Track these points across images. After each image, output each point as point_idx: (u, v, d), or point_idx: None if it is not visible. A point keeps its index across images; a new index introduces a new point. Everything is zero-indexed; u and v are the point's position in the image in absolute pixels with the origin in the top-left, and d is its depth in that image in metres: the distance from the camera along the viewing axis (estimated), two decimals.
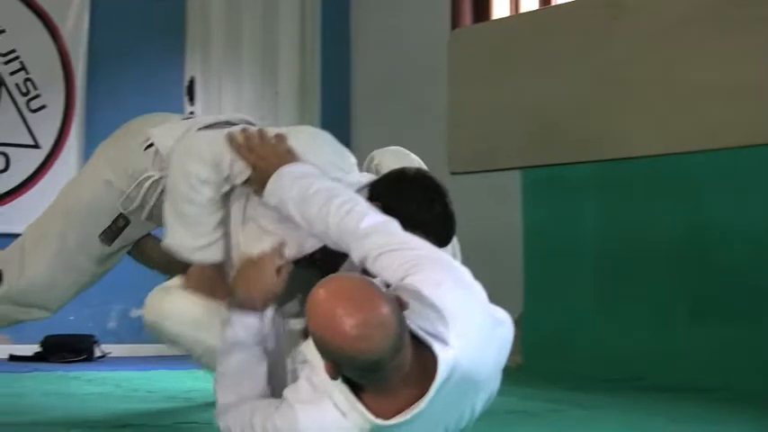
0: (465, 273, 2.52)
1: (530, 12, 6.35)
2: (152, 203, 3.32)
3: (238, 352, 2.64)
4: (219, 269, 3.05)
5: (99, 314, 6.36)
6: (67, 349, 6.05)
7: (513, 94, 6.06)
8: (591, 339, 5.57)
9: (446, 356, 2.26)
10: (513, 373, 5.53)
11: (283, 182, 2.83)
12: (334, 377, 2.26)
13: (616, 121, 5.50)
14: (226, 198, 3.11)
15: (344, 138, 7.42)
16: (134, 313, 6.36)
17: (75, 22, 6.61)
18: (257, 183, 2.98)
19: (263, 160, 2.95)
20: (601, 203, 5.66)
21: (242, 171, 3.02)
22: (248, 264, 2.73)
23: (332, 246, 2.73)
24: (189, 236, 3.07)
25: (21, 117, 6.33)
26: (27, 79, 6.43)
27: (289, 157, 2.97)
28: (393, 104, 7.15)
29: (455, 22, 6.69)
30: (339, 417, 2.31)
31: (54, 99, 6.43)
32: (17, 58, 6.45)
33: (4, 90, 6.40)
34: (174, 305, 3.04)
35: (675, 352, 5.14)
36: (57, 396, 4.29)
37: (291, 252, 2.87)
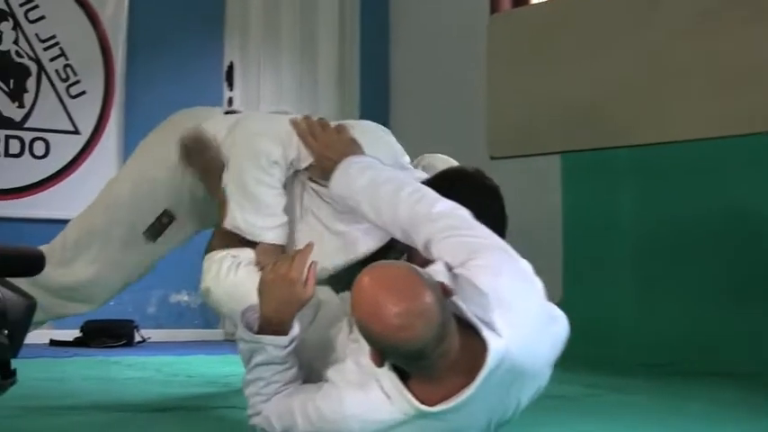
0: (527, 267, 2.54)
1: None
2: (201, 196, 3.32)
3: (267, 369, 2.59)
4: (283, 252, 3.00)
5: (139, 299, 6.39)
6: (108, 334, 6.10)
7: (553, 78, 6.07)
8: (629, 325, 5.57)
9: (496, 345, 2.26)
10: None
11: (351, 171, 2.82)
12: (379, 364, 2.27)
13: (655, 105, 5.50)
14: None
15: (384, 124, 7.47)
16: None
17: (114, 8, 6.64)
18: (321, 171, 2.98)
19: (328, 148, 2.95)
20: (640, 188, 5.64)
21: (306, 156, 3.02)
22: (273, 281, 2.54)
23: (398, 236, 2.72)
24: (259, 216, 3.03)
25: (61, 103, 6.37)
26: (67, 65, 6.46)
27: (354, 146, 2.97)
28: (432, 90, 7.14)
29: (494, 6, 6.68)
30: (385, 401, 2.31)
31: (93, 85, 6.47)
32: (57, 44, 6.48)
33: (44, 76, 6.43)
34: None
35: (713, 337, 5.12)
36: (97, 381, 4.32)
37: (341, 259, 2.92)
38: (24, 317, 2.05)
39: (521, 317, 2.39)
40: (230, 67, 6.98)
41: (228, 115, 3.46)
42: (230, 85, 6.97)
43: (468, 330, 2.28)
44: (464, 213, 2.60)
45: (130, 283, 3.57)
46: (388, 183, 2.74)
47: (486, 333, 2.26)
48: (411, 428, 2.34)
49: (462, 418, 2.35)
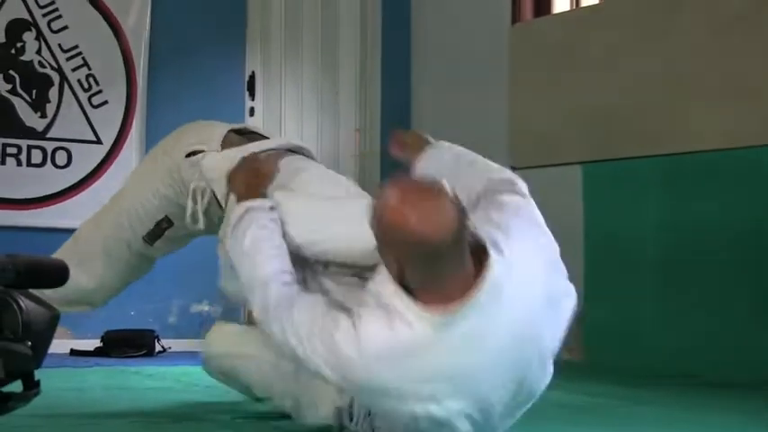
0: (551, 239, 2.77)
1: (590, 6, 6.35)
2: (203, 210, 3.37)
3: (252, 227, 2.84)
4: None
5: (159, 309, 6.41)
6: (128, 344, 6.09)
7: (574, 88, 6.07)
8: (651, 335, 5.55)
9: (500, 261, 2.39)
10: (571, 368, 5.44)
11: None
12: (397, 275, 2.38)
13: (677, 115, 5.50)
14: None
15: (404, 116, 7.42)
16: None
17: (136, 19, 6.67)
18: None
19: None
20: (662, 198, 5.63)
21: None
22: (239, 167, 3.06)
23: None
24: None
25: (83, 113, 6.40)
26: (89, 75, 6.49)
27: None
28: (453, 100, 7.13)
29: (516, 16, 6.68)
30: (406, 330, 2.37)
31: (115, 95, 6.49)
32: (80, 54, 6.51)
33: (66, 86, 6.46)
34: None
35: (735, 349, 5.11)
36: (117, 390, 4.33)
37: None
38: (47, 328, 2.07)
39: (529, 250, 2.56)
40: (252, 77, 7.01)
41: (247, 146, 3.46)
42: (252, 94, 6.99)
43: (478, 258, 2.39)
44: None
45: (131, 282, 3.68)
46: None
47: (491, 249, 2.39)
48: (432, 351, 2.39)
49: (480, 347, 2.41)
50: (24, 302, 2.02)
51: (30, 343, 2.04)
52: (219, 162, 3.29)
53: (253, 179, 3.06)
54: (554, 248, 2.72)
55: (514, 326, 2.44)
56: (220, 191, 3.26)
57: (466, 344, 2.39)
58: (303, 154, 3.43)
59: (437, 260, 2.34)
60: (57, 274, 2.17)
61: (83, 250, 3.53)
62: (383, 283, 2.45)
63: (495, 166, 3.05)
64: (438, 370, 2.41)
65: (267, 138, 3.49)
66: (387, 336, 2.39)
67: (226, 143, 3.40)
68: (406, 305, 2.37)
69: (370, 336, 2.40)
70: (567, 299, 2.70)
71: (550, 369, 2.65)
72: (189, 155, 3.37)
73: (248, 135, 3.52)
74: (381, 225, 2.39)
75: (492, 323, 2.39)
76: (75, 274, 3.39)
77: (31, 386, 2.11)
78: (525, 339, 2.48)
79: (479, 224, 2.49)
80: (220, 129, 3.50)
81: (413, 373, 2.40)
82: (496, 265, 2.38)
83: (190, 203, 3.35)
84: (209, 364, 3.28)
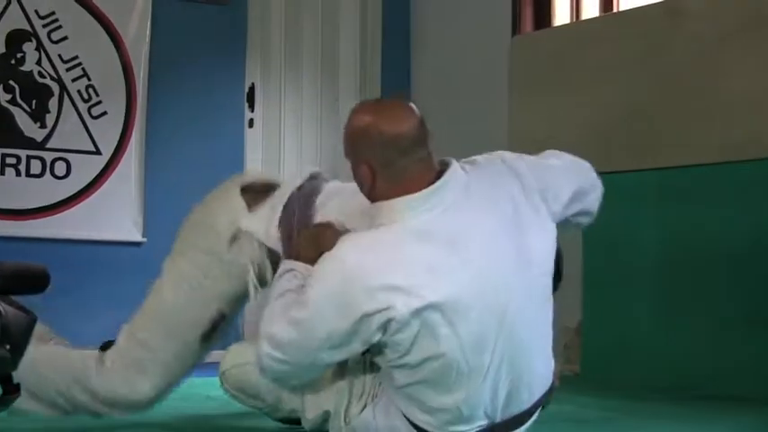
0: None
1: (591, 18, 6.36)
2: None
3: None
4: None
5: None
6: None
7: (574, 100, 6.07)
8: (649, 348, 5.54)
9: (463, 167, 2.86)
10: (570, 382, 5.37)
11: None
12: (371, 178, 2.70)
13: (675, 128, 5.50)
14: None
15: None
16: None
17: (136, 30, 6.68)
18: None
19: None
20: (660, 211, 5.62)
21: None
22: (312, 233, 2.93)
23: None
24: None
25: (82, 123, 6.41)
26: (89, 86, 6.50)
27: None
28: (453, 111, 7.11)
29: (516, 28, 6.70)
30: (384, 228, 2.65)
31: (115, 105, 6.50)
32: (79, 64, 6.52)
33: (66, 96, 6.47)
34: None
35: (735, 362, 5.09)
36: None
37: None
38: (25, 331, 2.08)
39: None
40: (251, 89, 7.02)
41: (266, 204, 3.33)
42: (251, 106, 7.00)
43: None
44: None
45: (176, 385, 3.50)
46: None
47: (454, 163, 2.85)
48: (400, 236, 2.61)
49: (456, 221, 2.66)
50: (3, 307, 2.04)
51: (8, 346, 2.04)
52: (262, 222, 3.22)
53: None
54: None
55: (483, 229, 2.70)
56: (275, 245, 3.18)
57: (429, 234, 2.60)
58: (318, 179, 3.37)
59: (405, 152, 2.68)
60: (40, 280, 2.20)
61: (128, 362, 3.35)
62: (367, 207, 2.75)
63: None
64: (402, 258, 2.57)
65: (276, 183, 3.39)
66: (369, 236, 2.65)
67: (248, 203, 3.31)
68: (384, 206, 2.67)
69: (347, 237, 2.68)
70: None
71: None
72: (232, 240, 3.25)
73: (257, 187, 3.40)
74: (352, 131, 2.75)
75: (456, 211, 2.66)
76: (137, 380, 3.31)
77: (11, 390, 2.12)
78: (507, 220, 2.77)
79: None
80: (235, 198, 3.34)
81: (379, 262, 2.56)
82: (458, 166, 2.81)
83: (251, 282, 3.24)
84: (227, 380, 3.20)
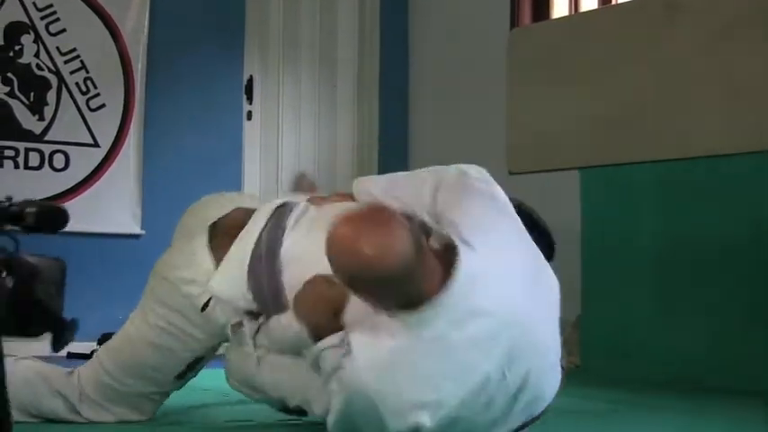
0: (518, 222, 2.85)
1: (589, 11, 6.37)
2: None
3: None
4: None
5: None
6: None
7: (573, 92, 6.05)
8: (649, 341, 5.55)
9: (470, 255, 2.44)
10: (570, 374, 5.43)
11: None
12: (388, 309, 2.43)
13: (674, 120, 5.48)
14: None
15: (402, 137, 7.48)
16: None
17: (134, 22, 6.70)
18: None
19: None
20: (660, 204, 5.63)
21: None
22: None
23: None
24: None
25: (80, 116, 6.41)
26: (87, 78, 6.52)
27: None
28: (451, 103, 7.19)
29: (515, 20, 6.71)
30: (389, 339, 2.44)
31: (113, 98, 6.51)
32: (77, 56, 6.54)
33: (64, 89, 6.49)
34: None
35: (735, 354, 5.10)
36: None
37: None
38: (60, 275, 2.12)
39: (500, 242, 2.62)
40: (250, 81, 7.02)
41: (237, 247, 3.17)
42: (249, 98, 7.01)
43: (448, 254, 2.46)
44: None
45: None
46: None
47: (460, 246, 2.44)
48: (418, 350, 2.44)
49: (464, 339, 2.45)
50: (29, 258, 2.11)
51: (52, 291, 2.11)
52: (235, 286, 3.09)
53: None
54: (523, 229, 2.80)
55: (499, 312, 2.50)
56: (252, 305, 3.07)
57: (446, 340, 2.44)
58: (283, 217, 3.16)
59: (406, 282, 2.38)
60: (60, 217, 2.26)
61: (101, 394, 3.29)
62: (362, 309, 2.51)
63: (439, 167, 3.07)
64: (424, 373, 2.44)
65: (245, 220, 3.21)
66: (374, 346, 2.45)
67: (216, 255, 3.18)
68: (390, 317, 2.43)
69: (360, 349, 2.44)
70: (552, 282, 2.82)
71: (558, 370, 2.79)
72: (203, 308, 3.15)
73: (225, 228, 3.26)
74: (338, 262, 2.40)
75: (473, 312, 2.44)
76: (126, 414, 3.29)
77: (70, 326, 2.15)
78: (512, 325, 2.53)
79: (444, 223, 2.58)
80: (202, 254, 3.21)
81: (401, 383, 2.44)
82: (466, 259, 2.43)
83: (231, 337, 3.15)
84: (233, 376, 3.16)
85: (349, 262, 2.35)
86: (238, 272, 3.05)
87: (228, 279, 3.07)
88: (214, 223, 3.24)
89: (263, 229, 3.06)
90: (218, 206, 3.36)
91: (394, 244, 2.34)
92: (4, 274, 1.99)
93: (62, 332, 2.07)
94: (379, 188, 3.00)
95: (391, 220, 2.40)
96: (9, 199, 2.10)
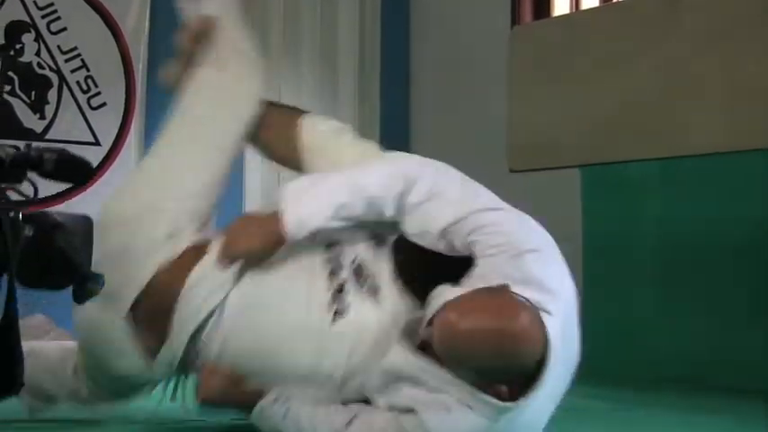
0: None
1: (590, 8, 6.38)
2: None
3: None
4: None
5: None
6: None
7: (574, 91, 6.09)
8: (652, 339, 5.56)
9: (553, 325, 2.41)
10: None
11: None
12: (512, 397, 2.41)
13: (676, 117, 5.52)
14: None
15: (404, 135, 7.47)
16: None
17: (136, 20, 6.69)
18: None
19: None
20: (662, 201, 5.64)
21: None
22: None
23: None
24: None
25: (81, 114, 6.41)
26: (88, 77, 6.51)
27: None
28: (452, 102, 7.19)
29: (515, 18, 6.71)
30: (466, 411, 2.41)
31: (114, 96, 6.51)
32: (78, 55, 6.52)
33: (65, 87, 6.48)
34: None
35: (737, 352, 5.11)
36: None
37: None
38: (86, 230, 2.15)
39: (562, 296, 2.59)
40: None
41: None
42: None
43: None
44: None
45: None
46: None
47: (543, 316, 2.41)
48: (495, 429, 2.43)
49: (536, 407, 2.50)
50: (55, 215, 2.13)
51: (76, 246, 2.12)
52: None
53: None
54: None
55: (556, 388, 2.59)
56: None
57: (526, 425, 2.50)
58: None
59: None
60: (83, 170, 2.26)
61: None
62: (436, 378, 2.47)
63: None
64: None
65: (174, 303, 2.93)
66: (448, 420, 2.44)
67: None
68: (475, 396, 2.41)
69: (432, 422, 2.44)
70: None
71: None
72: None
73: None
74: (464, 360, 2.38)
75: (547, 393, 2.50)
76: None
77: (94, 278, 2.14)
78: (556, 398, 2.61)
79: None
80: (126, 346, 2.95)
81: None
82: (554, 333, 2.43)
83: None
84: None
85: (485, 355, 2.34)
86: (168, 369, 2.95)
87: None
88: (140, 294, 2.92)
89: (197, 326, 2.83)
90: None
91: (532, 332, 2.38)
92: (26, 228, 2.02)
93: (85, 284, 2.06)
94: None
95: (517, 305, 2.40)
96: (29, 145, 2.09)
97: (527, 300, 2.42)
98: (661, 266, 5.61)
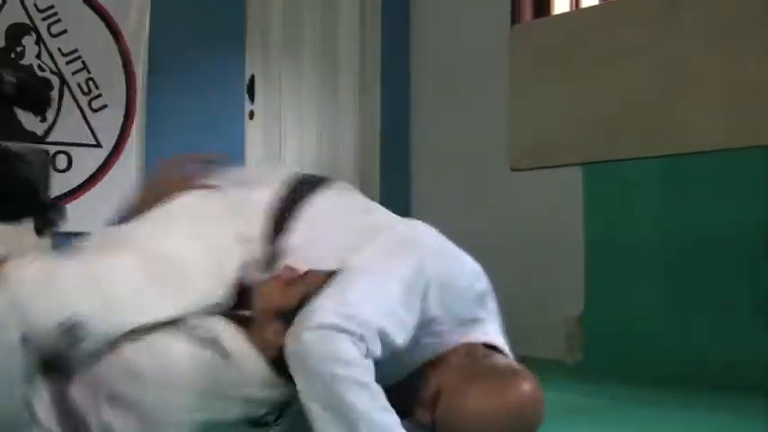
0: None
1: (590, 7, 6.42)
2: None
3: None
4: None
5: None
6: None
7: (574, 89, 6.13)
8: (652, 337, 5.58)
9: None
10: (572, 370, 5.54)
11: None
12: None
13: (676, 116, 5.56)
14: None
15: (405, 137, 7.51)
16: None
17: (136, 23, 6.71)
18: None
19: None
20: (662, 199, 5.68)
21: None
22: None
23: None
24: None
25: (83, 116, 6.44)
26: (89, 79, 6.53)
27: None
28: (452, 101, 7.23)
29: (515, 17, 6.74)
30: None
31: (115, 98, 6.52)
32: (79, 57, 6.54)
33: (66, 90, 6.49)
34: None
35: (737, 350, 5.14)
36: None
37: None
38: (44, 161, 2.13)
39: None
40: (251, 80, 7.04)
41: None
42: (251, 97, 7.03)
43: None
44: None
45: None
46: None
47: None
48: None
49: None
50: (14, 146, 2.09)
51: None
52: None
53: None
54: None
55: None
56: None
57: None
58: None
59: None
60: (44, 97, 2.19)
61: None
62: None
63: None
64: None
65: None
66: None
67: None
68: None
69: None
70: None
71: None
72: None
73: None
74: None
75: None
76: None
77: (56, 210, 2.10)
78: None
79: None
80: None
81: None
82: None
83: None
84: None
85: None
86: None
87: None
88: None
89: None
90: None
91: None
92: None
93: (46, 213, 2.02)
94: None
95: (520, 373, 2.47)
96: None
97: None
98: (662, 265, 5.64)
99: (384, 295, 2.34)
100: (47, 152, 1.97)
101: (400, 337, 2.33)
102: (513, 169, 6.43)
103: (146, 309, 2.34)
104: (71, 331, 2.24)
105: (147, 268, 2.37)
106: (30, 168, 1.87)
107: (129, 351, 2.31)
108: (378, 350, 2.27)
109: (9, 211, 1.86)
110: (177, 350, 2.34)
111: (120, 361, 2.31)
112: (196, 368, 2.34)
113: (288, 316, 2.38)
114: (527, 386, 2.41)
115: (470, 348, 2.51)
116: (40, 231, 1.87)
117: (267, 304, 2.45)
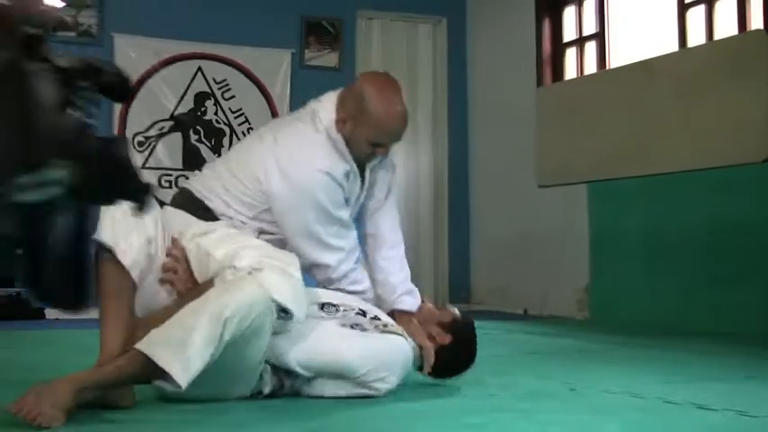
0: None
1: (590, 74, 6.33)
2: None
3: None
4: None
5: None
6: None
7: (582, 132, 6.08)
8: (640, 301, 5.54)
9: None
10: (581, 324, 5.40)
11: None
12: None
13: (651, 149, 5.53)
14: None
15: (464, 163, 7.54)
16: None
17: (280, 88, 6.98)
18: None
19: None
20: (644, 206, 5.60)
21: None
22: None
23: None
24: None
25: None
26: (249, 128, 6.79)
27: None
28: (497, 137, 7.16)
29: (539, 80, 6.70)
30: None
31: None
32: (242, 113, 6.87)
33: (233, 136, 6.82)
34: None
35: (699, 308, 5.06)
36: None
37: None
38: (127, 146, 1.61)
39: None
40: None
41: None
42: None
43: None
44: None
45: None
46: None
47: None
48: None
49: None
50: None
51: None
52: None
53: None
54: None
55: None
56: None
57: None
58: None
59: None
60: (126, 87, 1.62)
61: None
62: None
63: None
64: None
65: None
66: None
67: None
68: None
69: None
70: None
71: None
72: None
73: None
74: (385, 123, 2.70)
75: None
76: None
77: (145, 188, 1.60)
78: None
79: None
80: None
81: None
82: None
83: None
84: None
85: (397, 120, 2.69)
86: None
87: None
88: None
89: None
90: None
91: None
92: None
93: (143, 193, 1.57)
94: None
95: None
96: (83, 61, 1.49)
97: None
98: (645, 252, 5.59)
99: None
100: (124, 136, 1.74)
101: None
102: (540, 186, 6.40)
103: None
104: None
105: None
106: (124, 152, 1.55)
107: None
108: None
109: (114, 194, 1.58)
110: None
111: None
112: None
113: None
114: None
115: None
116: (138, 211, 1.55)
117: None
